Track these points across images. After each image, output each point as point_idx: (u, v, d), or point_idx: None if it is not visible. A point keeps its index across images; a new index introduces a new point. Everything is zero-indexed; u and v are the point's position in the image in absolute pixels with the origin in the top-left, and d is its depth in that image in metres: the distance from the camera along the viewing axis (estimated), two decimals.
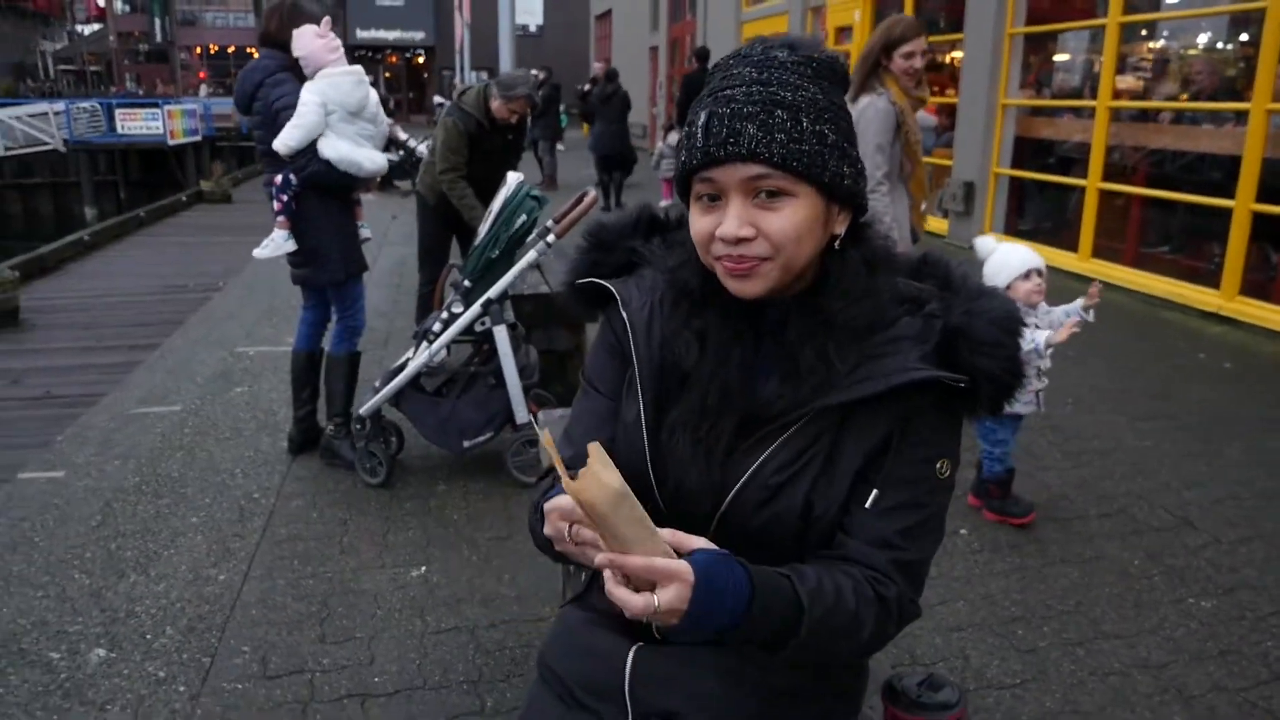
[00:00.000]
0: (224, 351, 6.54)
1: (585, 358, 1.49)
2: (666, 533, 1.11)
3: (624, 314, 1.36)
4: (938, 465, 1.26)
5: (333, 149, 4.13)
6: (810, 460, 1.24)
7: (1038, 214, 9.92)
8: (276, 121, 4.09)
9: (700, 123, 1.18)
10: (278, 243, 4.23)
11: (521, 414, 4.18)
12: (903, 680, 1.36)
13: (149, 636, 3.09)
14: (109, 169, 22.43)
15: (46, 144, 20.82)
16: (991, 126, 9.77)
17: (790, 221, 1.17)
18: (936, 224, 10.70)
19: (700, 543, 1.14)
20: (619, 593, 1.07)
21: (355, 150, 4.22)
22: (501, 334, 4.14)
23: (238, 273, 9.49)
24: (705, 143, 1.17)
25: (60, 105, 20.50)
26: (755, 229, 1.18)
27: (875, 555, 1.25)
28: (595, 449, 1.04)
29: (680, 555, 1.10)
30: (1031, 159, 9.72)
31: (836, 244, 1.25)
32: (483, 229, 4.19)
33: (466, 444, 4.20)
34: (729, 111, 1.16)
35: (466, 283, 4.18)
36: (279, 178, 4.16)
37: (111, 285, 10.27)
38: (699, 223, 1.23)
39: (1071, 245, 8.77)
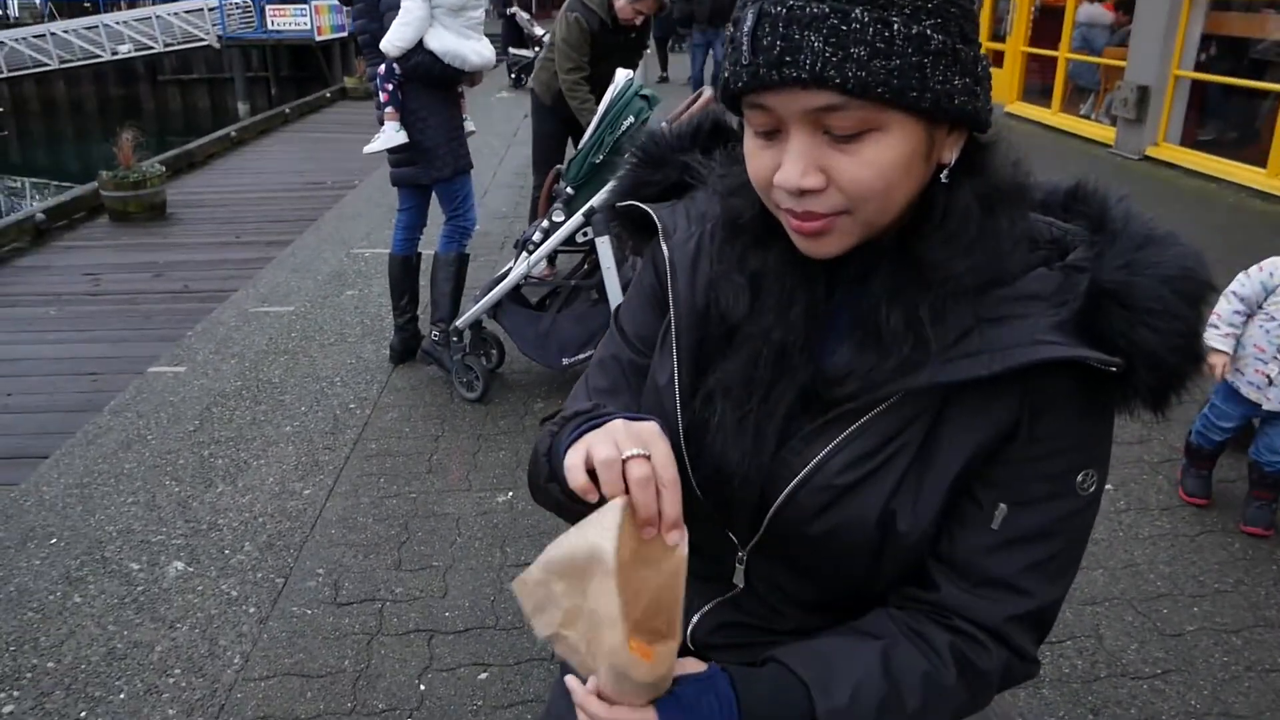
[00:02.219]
0: (343, 252, 6.50)
1: (622, 302, 1.18)
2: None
3: (665, 246, 1.04)
4: (1079, 478, 0.90)
5: (438, 40, 3.94)
6: (893, 458, 0.91)
7: (1222, 123, 8.78)
8: (383, 18, 3.94)
9: (746, 27, 0.81)
10: (389, 135, 4.06)
11: None
12: None
13: (227, 552, 3.02)
14: (261, 65, 22.88)
15: (202, 40, 21.34)
16: (1175, 22, 8.61)
17: (874, 167, 0.81)
18: (1102, 131, 9.69)
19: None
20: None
21: (461, 43, 4.00)
22: (605, 246, 3.85)
23: (373, 170, 9.48)
24: (753, 58, 0.81)
25: (214, 1, 20.90)
26: (826, 177, 0.83)
27: (984, 608, 0.92)
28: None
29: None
30: (1219, 61, 8.56)
31: (944, 175, 0.88)
32: (588, 131, 3.87)
33: (566, 361, 3.96)
34: (784, 12, 0.79)
35: (569, 190, 3.89)
36: (382, 68, 4.00)
37: (254, 181, 10.50)
38: (755, 160, 0.88)
39: (1259, 160, 7.74)
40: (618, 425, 0.82)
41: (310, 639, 2.61)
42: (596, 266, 3.94)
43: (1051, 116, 10.73)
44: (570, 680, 0.82)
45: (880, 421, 0.90)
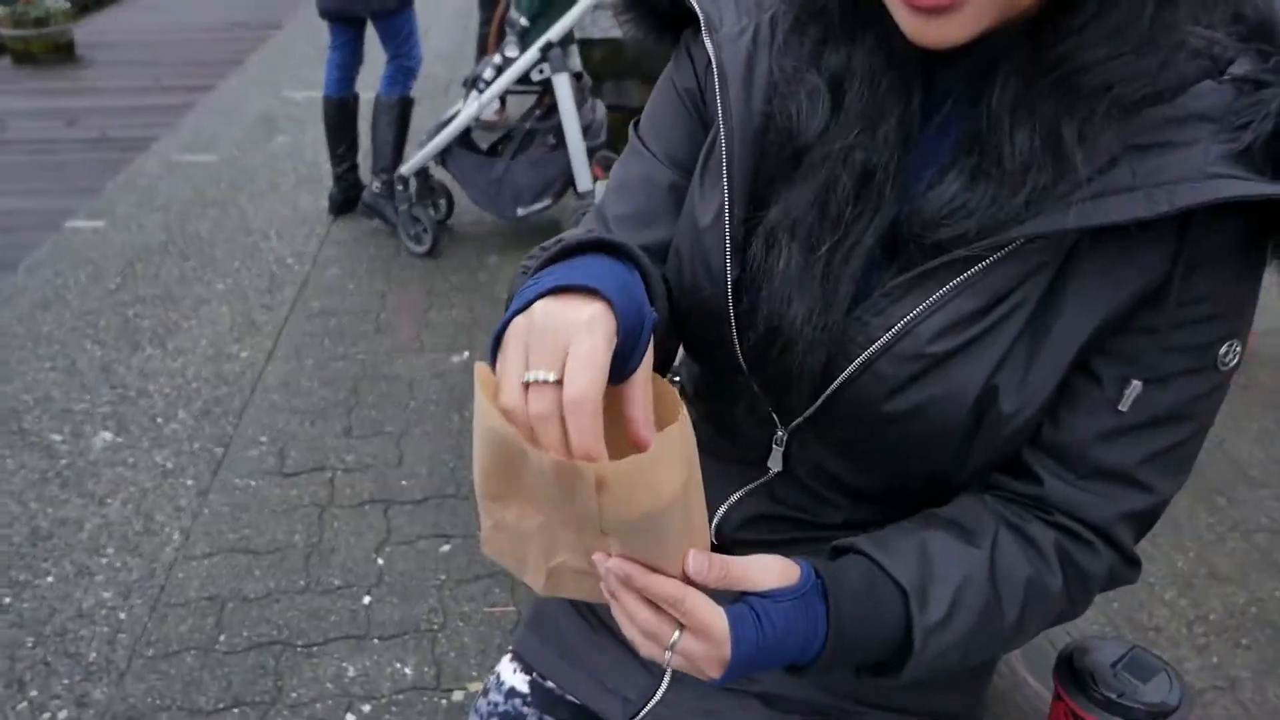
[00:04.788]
0: (272, 95, 6.02)
1: (642, 114, 0.93)
2: (716, 562, 0.63)
3: (709, 43, 0.79)
4: (1223, 350, 0.71)
5: None
6: (1002, 322, 0.70)
7: None
8: None
9: None
10: None
11: (584, 179, 3.62)
12: (1090, 654, 0.87)
13: (159, 420, 2.79)
14: None
15: None
16: None
17: None
18: None
19: (765, 576, 0.66)
20: (630, 628, 0.63)
21: None
22: (563, 84, 3.53)
23: (299, 6, 8.79)
24: None
25: None
26: None
27: (1095, 504, 0.74)
28: (672, 436, 0.57)
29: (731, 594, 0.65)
30: None
31: None
32: None
33: (521, 211, 3.69)
34: None
35: (523, 21, 3.53)
36: None
37: (172, 20, 9.70)
38: None
39: None
40: (537, 316, 0.57)
41: (256, 513, 2.42)
42: (553, 108, 3.63)
43: None
44: (596, 557, 0.62)
45: (991, 275, 0.69)
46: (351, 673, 1.96)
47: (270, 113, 5.66)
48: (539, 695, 0.99)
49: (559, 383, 0.55)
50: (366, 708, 1.88)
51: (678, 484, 0.56)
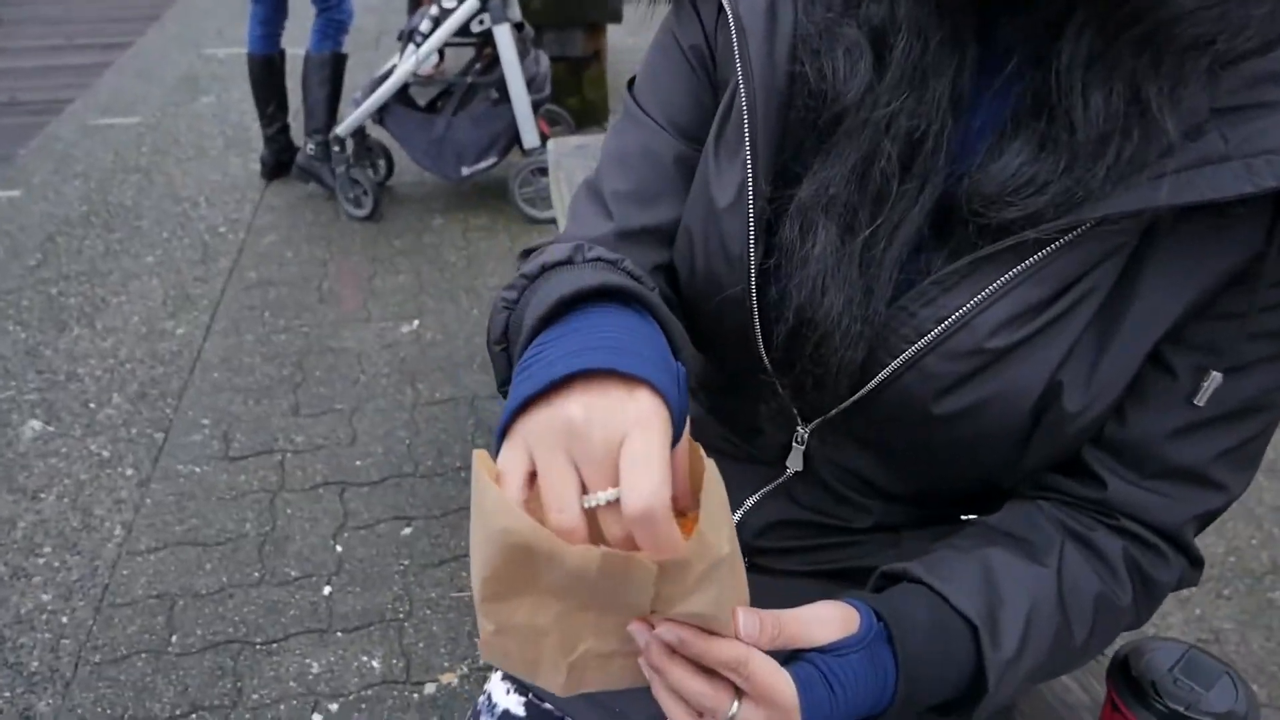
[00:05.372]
0: (193, 53, 5.72)
1: (637, 74, 0.81)
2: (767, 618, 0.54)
3: None
4: None
5: None
6: (1070, 313, 0.62)
7: None
8: None
9: None
10: None
11: (530, 135, 3.48)
12: (1145, 658, 0.81)
13: (92, 406, 2.63)
14: None
15: None
16: None
17: None
18: None
19: (824, 629, 0.57)
20: (678, 708, 0.53)
21: None
22: (504, 35, 3.37)
23: None
24: None
25: None
26: None
27: (1165, 507, 0.67)
28: (712, 494, 0.48)
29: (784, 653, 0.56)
30: None
31: None
32: None
33: (465, 170, 3.54)
34: None
35: None
36: None
37: None
38: None
39: None
40: (578, 421, 0.46)
41: (202, 501, 2.29)
42: (495, 61, 3.46)
43: None
44: (633, 628, 0.53)
45: (1060, 259, 0.61)
46: (315, 669, 1.87)
47: (192, 71, 5.37)
48: (536, 719, 0.91)
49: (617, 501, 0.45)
50: (334, 706, 1.79)
51: (725, 540, 0.48)
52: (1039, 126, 0.59)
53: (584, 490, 0.46)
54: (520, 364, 0.51)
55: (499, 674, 0.95)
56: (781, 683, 0.53)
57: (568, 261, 0.61)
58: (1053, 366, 0.63)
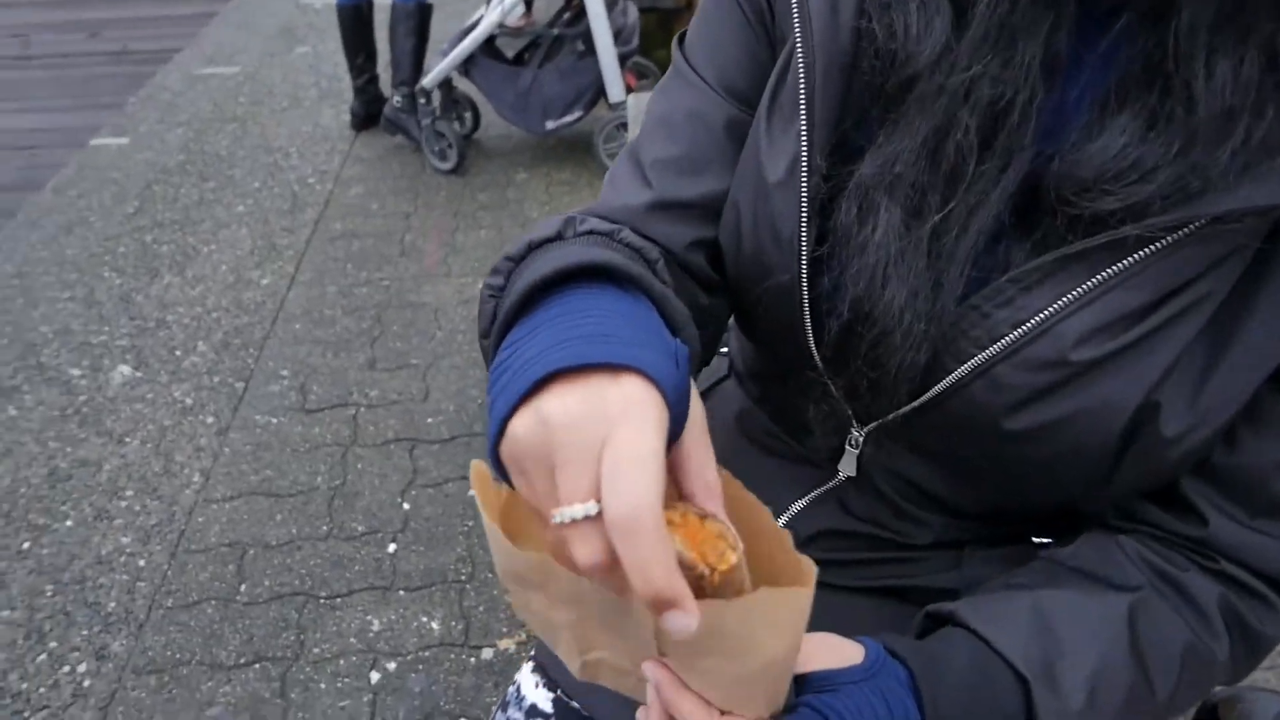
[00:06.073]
0: (291, 4, 5.78)
1: (688, 28, 0.74)
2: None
3: None
4: None
5: None
6: (1173, 323, 0.53)
7: None
8: None
9: None
10: None
11: (616, 89, 3.40)
12: (1240, 707, 0.72)
13: (179, 353, 2.68)
14: None
15: None
16: None
17: None
18: None
19: (816, 656, 0.51)
20: None
21: None
22: None
23: None
24: None
25: None
26: None
27: (1275, 550, 0.58)
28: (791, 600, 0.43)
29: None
30: None
31: None
32: None
33: (550, 124, 3.49)
34: None
35: None
36: None
37: None
38: None
39: None
40: (553, 424, 0.40)
41: (278, 452, 2.32)
42: (582, 12, 3.38)
43: None
44: (647, 667, 0.48)
45: (1166, 261, 0.52)
46: (376, 626, 1.88)
47: (290, 22, 5.43)
48: (563, 717, 0.87)
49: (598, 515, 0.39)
50: (392, 665, 1.80)
51: (776, 644, 0.42)
52: (1150, 100, 0.50)
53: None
54: (495, 366, 0.46)
55: (529, 665, 0.91)
56: None
57: (557, 237, 0.55)
58: (1148, 385, 0.54)
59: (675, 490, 0.43)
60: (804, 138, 0.60)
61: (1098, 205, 0.51)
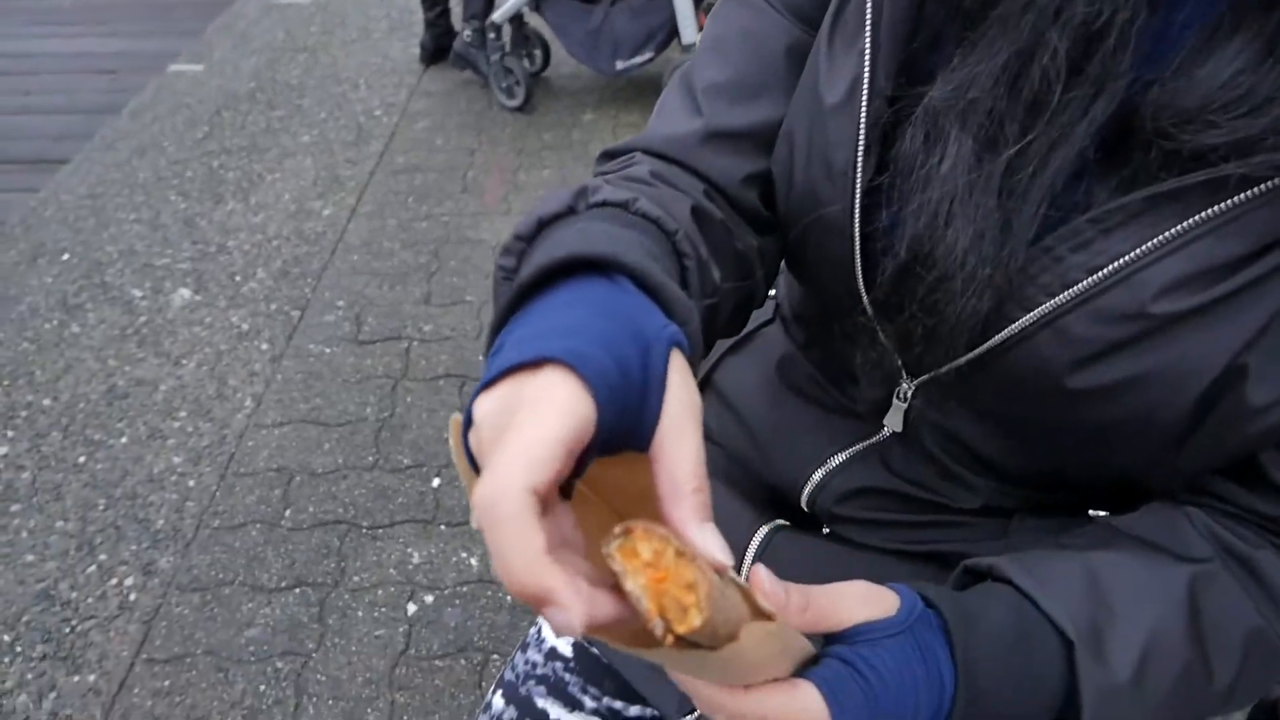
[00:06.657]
0: None
1: None
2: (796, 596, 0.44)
3: None
4: None
5: None
6: (1273, 276, 0.47)
7: None
8: None
9: None
10: None
11: (689, 30, 3.30)
12: None
13: (238, 279, 2.70)
14: None
15: None
16: None
17: None
18: None
19: (856, 608, 0.46)
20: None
21: None
22: None
23: None
24: None
25: None
26: None
27: None
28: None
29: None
30: None
31: None
32: None
33: (620, 65, 3.40)
34: None
35: None
36: None
37: None
38: None
39: None
40: (481, 424, 0.37)
41: (329, 381, 2.33)
42: None
43: None
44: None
45: (1267, 208, 0.45)
46: (416, 559, 1.87)
47: None
48: (584, 663, 0.83)
49: None
50: (429, 598, 1.79)
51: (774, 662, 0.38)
52: (1268, 25, 0.43)
53: None
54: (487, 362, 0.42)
55: None
56: (798, 695, 0.42)
57: (569, 211, 0.49)
58: (1236, 346, 0.47)
59: (659, 512, 0.38)
60: (869, 55, 0.54)
61: (1199, 138, 0.45)
